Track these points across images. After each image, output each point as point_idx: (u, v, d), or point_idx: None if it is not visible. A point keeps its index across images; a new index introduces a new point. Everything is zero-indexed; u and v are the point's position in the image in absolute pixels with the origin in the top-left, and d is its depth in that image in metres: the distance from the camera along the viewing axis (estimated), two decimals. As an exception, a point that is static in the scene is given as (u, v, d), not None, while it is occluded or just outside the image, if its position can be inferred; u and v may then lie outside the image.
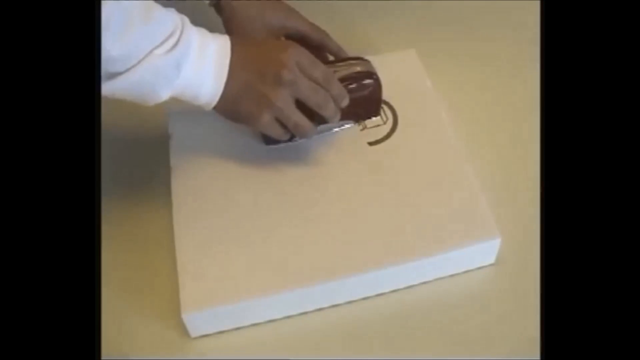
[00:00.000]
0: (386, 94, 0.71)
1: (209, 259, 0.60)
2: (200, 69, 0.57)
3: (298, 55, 0.60)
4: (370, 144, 0.67)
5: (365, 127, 0.69)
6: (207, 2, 0.71)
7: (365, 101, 0.68)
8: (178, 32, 0.55)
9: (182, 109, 0.62)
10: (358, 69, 0.67)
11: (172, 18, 0.55)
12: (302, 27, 0.73)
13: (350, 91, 0.64)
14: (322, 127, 0.65)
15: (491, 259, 0.62)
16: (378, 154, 0.66)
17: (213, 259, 0.60)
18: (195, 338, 0.59)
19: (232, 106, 0.60)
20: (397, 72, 0.74)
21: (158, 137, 0.70)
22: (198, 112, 0.62)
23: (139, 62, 0.53)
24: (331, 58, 0.72)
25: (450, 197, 0.63)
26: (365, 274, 0.59)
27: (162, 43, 0.54)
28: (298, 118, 0.61)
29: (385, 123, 0.69)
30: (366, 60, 0.69)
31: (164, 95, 0.56)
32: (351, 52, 0.74)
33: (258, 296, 0.58)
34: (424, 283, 0.61)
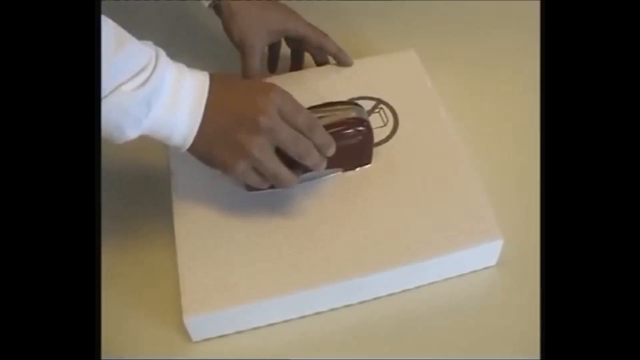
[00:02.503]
0: (386, 95, 0.71)
1: (210, 262, 0.60)
2: (173, 109, 0.53)
3: (280, 100, 0.56)
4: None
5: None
6: (206, 3, 0.71)
7: (354, 150, 0.64)
8: (150, 68, 0.51)
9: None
10: (348, 114, 0.63)
11: (145, 52, 0.52)
12: (302, 29, 0.72)
13: (337, 139, 0.60)
14: (306, 175, 0.61)
15: (493, 261, 0.62)
16: (379, 156, 0.66)
17: (214, 262, 0.60)
18: (197, 342, 0.59)
19: (206, 152, 0.56)
20: (397, 72, 0.74)
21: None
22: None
23: (105, 97, 0.49)
24: (318, 102, 0.65)
25: (452, 199, 0.62)
26: (368, 276, 0.59)
27: (131, 78, 0.50)
28: (277, 168, 0.57)
29: (385, 125, 0.69)
30: (358, 105, 0.65)
31: (132, 134, 0.53)
32: (351, 53, 0.74)
33: (260, 299, 0.58)
34: (426, 285, 0.61)
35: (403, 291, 0.61)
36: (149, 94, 0.51)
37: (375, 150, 0.66)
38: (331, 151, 0.59)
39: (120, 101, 0.50)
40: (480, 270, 0.62)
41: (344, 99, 0.67)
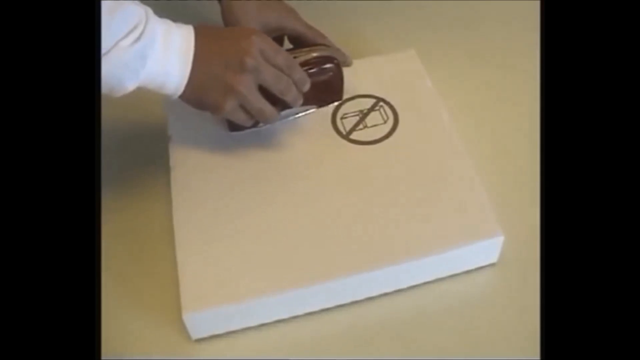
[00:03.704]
0: (386, 95, 0.71)
1: (209, 259, 0.59)
2: (165, 59, 0.58)
3: (261, 42, 0.61)
4: (371, 142, 0.67)
5: (366, 127, 0.69)
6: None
7: (326, 85, 0.69)
8: (142, 24, 0.55)
9: (181, 109, 0.62)
10: (318, 54, 0.69)
11: (136, 10, 0.56)
12: (300, 29, 0.72)
13: (310, 75, 0.65)
14: (285, 112, 0.66)
15: (494, 258, 0.62)
16: (379, 153, 0.66)
17: (214, 259, 0.59)
18: (196, 340, 0.59)
19: (197, 95, 0.60)
20: (397, 72, 0.74)
21: (157, 137, 0.70)
22: (197, 112, 0.62)
23: (105, 54, 0.53)
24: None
25: (452, 196, 0.62)
26: (367, 273, 0.58)
27: (127, 35, 0.54)
28: (261, 104, 0.62)
29: (385, 122, 0.69)
30: (327, 46, 0.71)
31: (131, 86, 0.57)
32: (351, 53, 0.74)
33: (259, 296, 0.57)
34: (426, 283, 0.61)
35: (404, 288, 0.61)
36: (144, 47, 0.55)
37: (376, 147, 0.67)
38: (306, 86, 0.65)
39: (119, 56, 0.54)
40: (481, 267, 0.62)
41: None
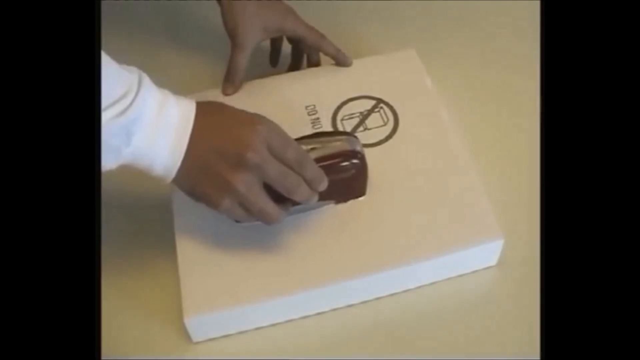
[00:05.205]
0: (387, 95, 0.71)
1: (210, 263, 0.59)
2: (155, 138, 0.50)
3: (267, 133, 0.53)
4: (372, 145, 0.67)
5: (366, 129, 0.68)
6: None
7: (348, 183, 0.61)
8: (132, 95, 0.48)
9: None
10: (342, 147, 0.60)
11: (126, 77, 0.49)
12: (300, 30, 0.72)
13: (329, 172, 0.57)
14: (297, 207, 0.58)
15: (493, 261, 0.62)
16: (379, 156, 0.66)
17: (215, 263, 0.59)
18: (197, 342, 0.59)
19: (190, 185, 0.54)
20: (397, 72, 0.74)
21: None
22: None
23: None
24: (313, 129, 0.65)
25: (453, 198, 0.62)
26: (368, 276, 0.59)
27: (111, 105, 0.47)
28: (263, 204, 0.54)
29: (386, 124, 0.69)
30: (353, 135, 0.64)
31: (111, 164, 0.50)
32: (351, 53, 0.74)
33: (260, 300, 0.58)
34: (425, 285, 0.61)
35: (404, 291, 0.61)
36: (130, 122, 0.49)
37: (376, 149, 0.66)
38: (323, 186, 0.57)
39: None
40: (481, 270, 0.62)
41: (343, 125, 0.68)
